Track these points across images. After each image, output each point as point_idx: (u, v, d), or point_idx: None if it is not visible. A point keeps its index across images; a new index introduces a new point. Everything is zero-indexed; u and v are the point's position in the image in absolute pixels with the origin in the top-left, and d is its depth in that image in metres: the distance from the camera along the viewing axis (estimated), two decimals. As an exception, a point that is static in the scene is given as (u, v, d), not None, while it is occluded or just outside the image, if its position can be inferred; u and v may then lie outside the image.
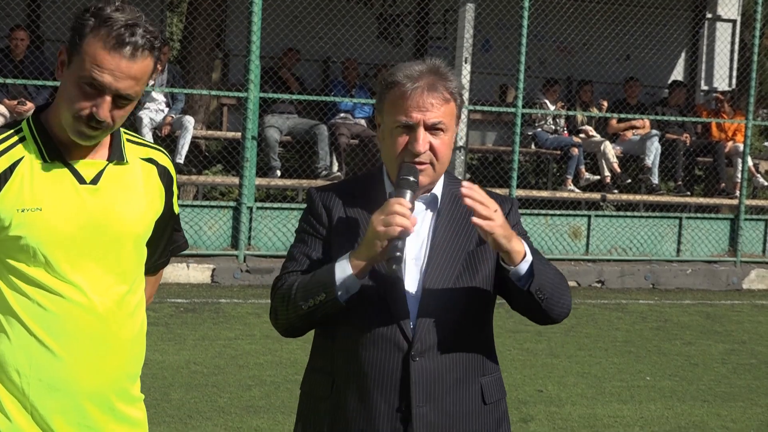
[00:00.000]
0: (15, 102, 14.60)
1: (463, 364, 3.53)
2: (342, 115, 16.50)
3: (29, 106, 14.54)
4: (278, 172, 15.66)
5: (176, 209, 3.64)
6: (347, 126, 16.38)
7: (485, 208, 3.29)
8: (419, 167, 3.43)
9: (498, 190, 14.63)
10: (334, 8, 18.05)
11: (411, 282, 3.49)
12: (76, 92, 3.22)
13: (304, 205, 14.23)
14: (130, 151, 3.46)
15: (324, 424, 3.56)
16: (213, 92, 16.40)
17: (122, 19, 3.21)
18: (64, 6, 15.58)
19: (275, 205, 15.25)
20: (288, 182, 15.90)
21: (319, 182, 15.84)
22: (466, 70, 15.68)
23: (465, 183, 3.36)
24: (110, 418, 3.45)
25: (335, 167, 16.16)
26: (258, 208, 14.82)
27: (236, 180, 15.05)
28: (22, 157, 3.32)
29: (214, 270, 14.23)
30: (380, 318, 3.46)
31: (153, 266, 3.64)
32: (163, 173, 3.54)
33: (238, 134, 15.29)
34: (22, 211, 3.28)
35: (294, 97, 15.90)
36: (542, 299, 3.45)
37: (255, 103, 14.69)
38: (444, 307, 3.49)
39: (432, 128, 3.43)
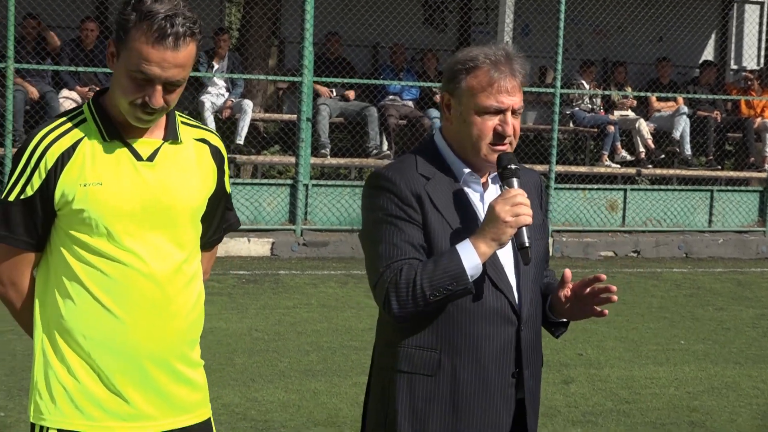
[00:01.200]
0: (86, 89, 14.68)
1: (540, 332, 3.62)
2: (390, 97, 16.46)
3: (98, 93, 14.65)
4: (328, 151, 15.65)
5: (228, 188, 3.64)
6: (396, 107, 16.35)
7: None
8: (502, 147, 3.47)
9: (538, 167, 14.76)
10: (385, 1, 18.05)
11: (505, 258, 3.53)
12: (128, 83, 3.23)
13: (356, 182, 14.39)
14: (184, 131, 3.48)
15: (434, 401, 3.52)
16: (270, 77, 16.43)
17: (162, 11, 3.20)
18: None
19: (329, 182, 15.27)
20: (341, 161, 15.93)
21: (370, 161, 15.88)
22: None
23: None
24: (171, 379, 3.46)
25: (384, 146, 16.14)
26: (313, 185, 14.85)
27: (293, 159, 15.08)
28: (84, 137, 3.34)
29: (273, 243, 14.30)
30: (489, 295, 3.48)
31: (208, 242, 3.65)
32: (216, 153, 3.56)
33: (294, 116, 15.33)
34: (84, 185, 3.30)
35: (345, 80, 15.89)
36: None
37: (309, 87, 14.71)
38: (533, 280, 3.57)
39: (514, 112, 3.47)
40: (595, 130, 17.28)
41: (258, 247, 14.19)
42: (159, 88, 3.22)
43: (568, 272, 3.43)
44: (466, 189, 3.54)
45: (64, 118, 3.39)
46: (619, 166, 17.12)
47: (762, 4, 20.65)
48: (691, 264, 15.33)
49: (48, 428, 3.39)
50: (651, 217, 16.49)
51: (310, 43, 14.62)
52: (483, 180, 3.57)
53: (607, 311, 3.47)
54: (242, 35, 17.60)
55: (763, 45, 20.58)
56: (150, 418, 3.43)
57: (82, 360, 3.38)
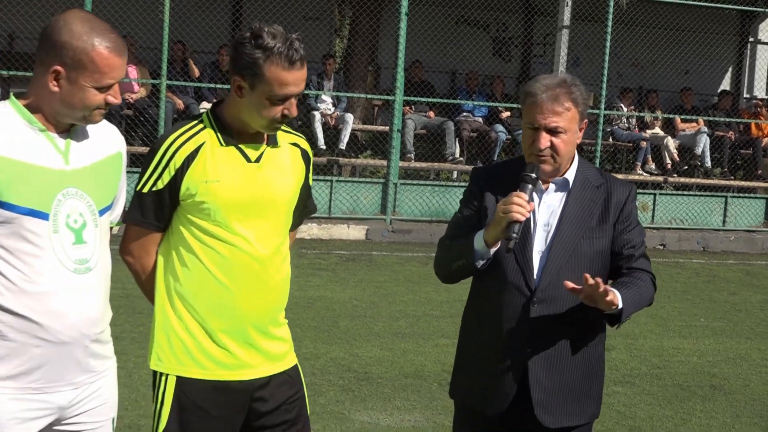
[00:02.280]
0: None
1: (570, 311, 3.49)
2: (464, 114, 16.43)
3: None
4: (412, 156, 15.67)
5: (311, 181, 3.66)
6: (468, 122, 16.32)
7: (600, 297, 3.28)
8: (542, 157, 3.45)
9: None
10: (461, 32, 18.03)
11: (539, 246, 3.51)
12: (269, 105, 3.27)
13: (435, 182, 14.45)
14: (281, 137, 3.50)
15: (478, 347, 3.61)
16: (368, 96, 16.48)
17: (282, 43, 3.23)
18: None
19: (413, 182, 15.27)
20: (423, 164, 15.90)
21: (446, 165, 15.90)
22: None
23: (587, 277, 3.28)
24: (264, 337, 3.48)
25: (458, 153, 16.14)
26: (400, 183, 14.88)
27: (384, 162, 15.15)
28: (204, 142, 3.36)
29: (367, 230, 14.33)
30: (512, 272, 3.48)
31: (293, 224, 3.65)
32: (304, 154, 3.58)
33: (386, 127, 15.37)
34: (206, 182, 3.33)
35: (429, 100, 15.92)
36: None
37: (400, 104, 14.74)
38: (564, 268, 3.48)
39: (552, 131, 3.44)
40: (631, 144, 17.13)
41: (355, 232, 14.24)
42: (294, 100, 3.30)
43: (568, 284, 3.32)
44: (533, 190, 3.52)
45: (188, 126, 3.42)
46: (649, 174, 16.93)
47: (771, 44, 20.46)
48: (708, 256, 15.15)
49: (167, 375, 3.43)
50: (675, 217, 16.34)
51: (402, 68, 14.65)
52: (545, 185, 3.56)
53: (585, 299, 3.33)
54: (346, 61, 17.68)
55: (772, 78, 20.38)
56: (250, 366, 3.46)
57: (195, 321, 3.42)
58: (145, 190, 3.36)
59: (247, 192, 3.36)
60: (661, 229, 16.04)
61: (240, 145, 3.38)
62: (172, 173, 3.33)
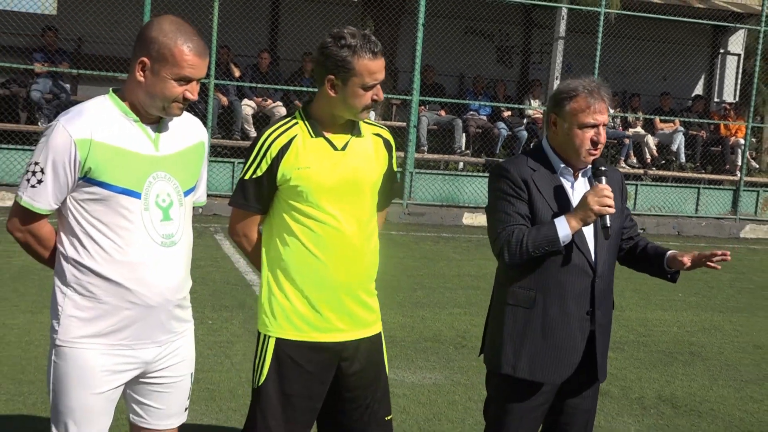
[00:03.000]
0: (260, 99, 14.82)
1: (610, 282, 3.62)
2: (471, 112, 16.40)
3: (269, 102, 14.75)
4: (426, 149, 15.65)
5: (395, 167, 3.65)
6: (474, 120, 16.28)
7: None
8: (596, 151, 3.50)
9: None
10: (469, 41, 17.99)
11: (588, 229, 3.53)
12: (362, 94, 3.32)
13: (445, 172, 14.36)
14: (364, 128, 3.52)
15: (529, 326, 3.55)
16: (387, 96, 16.42)
17: (360, 38, 3.29)
18: (293, 35, 15.79)
19: (426, 171, 15.26)
20: (435, 156, 15.88)
21: (455, 157, 15.87)
22: (556, 85, 15.49)
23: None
24: (356, 304, 3.50)
25: (464, 146, 16.11)
26: (415, 172, 14.87)
27: (401, 153, 15.10)
28: (296, 135, 3.40)
29: (387, 213, 14.29)
30: (574, 254, 3.50)
31: (381, 205, 3.65)
32: (386, 143, 3.59)
33: (403, 123, 15.34)
34: (299, 169, 3.36)
35: (441, 100, 15.89)
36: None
37: (416, 103, 14.71)
38: (608, 246, 3.57)
39: (604, 125, 3.48)
40: (615, 141, 17.05)
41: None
42: (379, 86, 3.33)
43: (685, 260, 3.69)
44: (561, 179, 3.56)
45: (283, 122, 3.48)
46: (631, 167, 16.87)
47: (739, 56, 20.37)
48: (682, 240, 15.13)
49: (270, 336, 3.47)
50: (653, 205, 16.32)
51: (418, 72, 14.62)
52: (575, 173, 3.58)
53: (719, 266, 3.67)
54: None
55: (739, 85, 20.28)
56: (340, 331, 3.49)
57: (295, 290, 3.44)
58: (247, 177, 3.41)
59: (335, 176, 3.38)
60: (641, 215, 15.99)
61: (327, 136, 3.41)
62: (269, 162, 3.36)
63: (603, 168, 3.47)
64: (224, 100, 14.46)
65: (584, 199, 3.38)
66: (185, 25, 3.03)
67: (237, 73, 14.82)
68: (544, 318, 3.51)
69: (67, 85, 14.14)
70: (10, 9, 15.22)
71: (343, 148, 3.43)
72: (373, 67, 3.30)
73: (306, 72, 15.23)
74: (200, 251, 9.97)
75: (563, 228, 3.39)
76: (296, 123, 3.43)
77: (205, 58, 3.06)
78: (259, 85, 14.50)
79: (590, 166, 3.54)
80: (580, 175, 3.58)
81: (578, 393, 3.65)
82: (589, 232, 3.51)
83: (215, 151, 14.06)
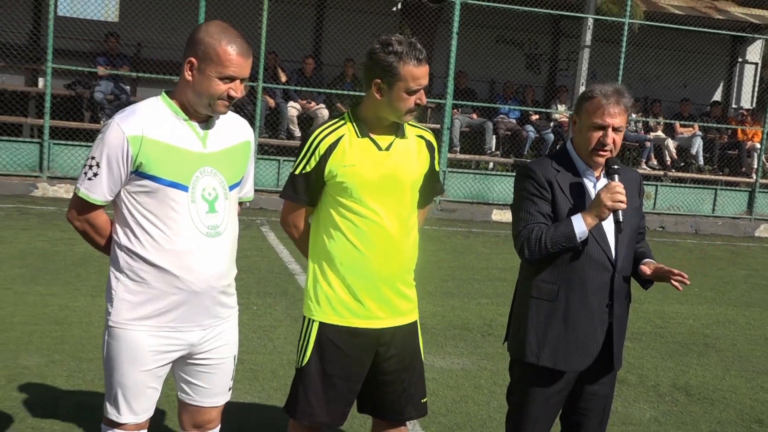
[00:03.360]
0: (304, 101, 14.84)
1: (628, 278, 3.58)
2: (501, 116, 16.29)
3: (313, 105, 14.76)
4: (458, 149, 15.57)
5: (437, 167, 3.63)
6: (504, 123, 16.17)
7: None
8: (605, 152, 3.44)
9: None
10: (499, 49, 17.88)
11: (608, 227, 3.48)
12: (406, 98, 3.33)
13: (476, 171, 14.29)
14: (408, 130, 3.50)
15: (552, 318, 3.53)
16: (452, 101, 16.36)
17: (407, 45, 3.28)
18: (336, 42, 15.79)
19: (458, 170, 15.18)
20: (466, 156, 15.78)
21: (486, 157, 15.79)
22: (581, 91, 15.37)
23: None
24: (394, 294, 3.49)
25: (494, 147, 16.02)
26: (448, 171, 14.80)
27: (435, 154, 15.07)
28: (344, 134, 3.40)
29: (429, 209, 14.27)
30: (594, 250, 3.46)
31: (423, 203, 3.64)
32: (429, 145, 3.56)
33: (437, 125, 15.28)
34: (345, 166, 3.36)
35: (473, 104, 15.81)
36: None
37: (449, 107, 14.66)
38: (627, 243, 3.53)
39: (615, 129, 3.42)
40: (637, 144, 16.88)
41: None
42: (423, 91, 3.33)
43: (646, 269, 3.56)
44: (584, 179, 3.52)
45: (332, 122, 3.48)
46: (651, 169, 16.67)
47: (756, 65, 20.05)
48: (699, 238, 14.95)
49: (314, 321, 3.47)
50: (672, 205, 16.11)
51: (452, 78, 14.57)
52: (597, 174, 3.54)
53: (680, 288, 3.56)
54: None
55: (756, 92, 19.99)
56: (379, 318, 3.49)
57: (338, 279, 3.44)
58: (297, 172, 3.42)
59: (378, 174, 3.38)
60: (661, 214, 15.81)
61: (373, 137, 3.41)
62: (317, 159, 3.37)
63: (616, 166, 3.44)
64: (271, 102, 14.50)
65: (598, 196, 3.37)
66: (230, 29, 3.04)
67: (283, 78, 14.85)
68: (566, 311, 3.48)
69: (128, 87, 14.26)
70: (76, 16, 15.41)
71: (387, 148, 3.42)
72: (417, 73, 3.29)
73: (347, 77, 15.24)
74: (247, 242, 10.01)
75: (579, 225, 3.37)
76: (344, 123, 3.44)
77: (248, 59, 3.05)
78: (303, 89, 14.52)
79: (605, 166, 3.52)
80: (602, 176, 3.54)
81: (596, 380, 3.61)
82: (609, 229, 3.47)
83: (262, 150, 14.11)
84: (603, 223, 3.44)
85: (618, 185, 3.37)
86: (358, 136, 3.40)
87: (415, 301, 3.61)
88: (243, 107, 14.14)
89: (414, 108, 3.35)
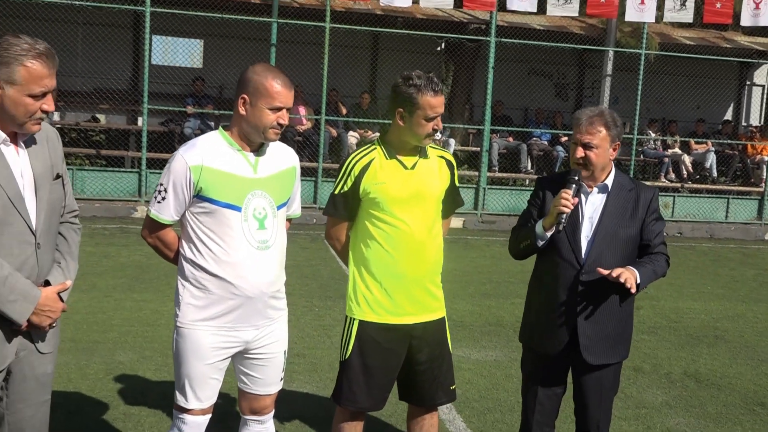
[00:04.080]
0: (362, 131, 14.91)
1: (609, 281, 3.37)
2: (534, 138, 16.15)
3: (369, 133, 14.83)
4: (496, 169, 15.49)
5: (456, 182, 3.64)
6: (537, 145, 16.01)
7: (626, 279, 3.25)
8: (579, 165, 3.41)
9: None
10: (531, 81, 17.77)
11: (585, 232, 3.44)
12: (424, 124, 3.35)
13: (513, 187, 14.18)
14: (431, 152, 3.52)
15: (540, 305, 3.55)
16: (465, 126, 16.38)
17: (424, 79, 3.32)
18: (389, 79, 15.82)
19: (497, 187, 15.10)
20: (504, 174, 15.69)
21: (521, 175, 15.67)
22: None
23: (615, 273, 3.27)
24: (424, 294, 3.50)
25: (529, 166, 15.89)
26: (488, 188, 14.73)
27: (476, 173, 15.02)
28: (375, 157, 3.44)
29: (464, 221, 14.21)
30: (565, 250, 3.42)
31: (446, 213, 3.64)
32: (449, 164, 3.58)
33: (478, 148, 15.24)
34: (376, 184, 3.39)
35: (509, 128, 15.73)
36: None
37: (487, 132, 14.60)
38: (605, 249, 3.42)
39: (586, 146, 3.38)
40: (656, 160, 16.59)
41: (455, 222, 14.11)
42: (439, 118, 3.34)
43: (601, 271, 3.31)
44: (581, 194, 3.47)
45: (364, 148, 3.53)
46: (670, 182, 16.33)
47: (763, 87, 19.55)
48: (713, 242, 14.58)
49: (354, 319, 3.50)
50: (689, 213, 15.74)
51: (489, 106, 14.52)
52: (590, 188, 3.48)
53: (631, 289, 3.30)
54: (450, 101, 17.60)
55: (764, 111, 19.48)
56: (410, 315, 3.50)
57: (374, 282, 3.46)
58: (336, 192, 3.47)
59: (405, 190, 3.40)
60: (679, 221, 15.46)
61: (399, 158, 3.44)
62: (353, 179, 3.41)
63: (574, 177, 3.39)
64: (333, 132, 14.60)
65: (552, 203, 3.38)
66: (273, 67, 3.11)
67: (343, 111, 14.97)
68: (540, 301, 3.52)
69: (212, 123, 14.48)
70: (168, 64, 15.76)
71: (412, 167, 3.44)
72: (433, 102, 3.32)
73: (363, 107, 15.14)
74: (312, 253, 10.10)
75: (538, 226, 3.40)
76: (375, 148, 3.47)
77: (291, 90, 3.10)
78: (360, 120, 14.61)
79: (600, 182, 3.47)
80: (596, 189, 3.49)
81: (590, 370, 3.50)
82: (585, 233, 3.42)
83: (327, 173, 14.20)
84: (582, 230, 3.41)
85: (565, 191, 3.32)
86: (387, 158, 3.42)
87: (442, 300, 3.60)
88: (309, 137, 14.29)
89: (432, 133, 3.36)
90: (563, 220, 3.34)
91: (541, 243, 3.42)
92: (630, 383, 5.72)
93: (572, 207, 3.33)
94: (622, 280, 3.24)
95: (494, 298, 8.34)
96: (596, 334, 3.43)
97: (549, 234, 3.40)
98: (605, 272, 3.28)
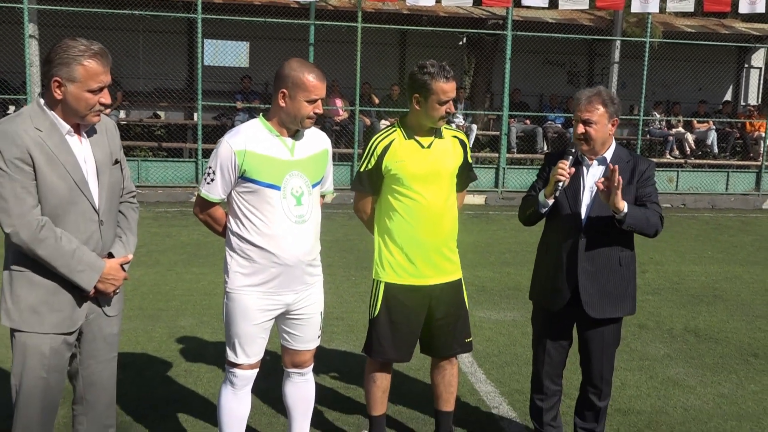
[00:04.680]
0: (393, 120, 14.84)
1: (608, 243, 3.38)
2: (549, 122, 15.95)
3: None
4: (515, 150, 15.35)
5: (469, 159, 3.62)
6: (551, 128, 15.79)
7: (612, 186, 3.20)
8: (579, 140, 3.39)
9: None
10: (546, 70, 17.53)
11: (586, 200, 3.42)
12: (438, 108, 3.34)
13: (531, 167, 14.07)
14: (445, 132, 3.52)
15: (546, 266, 3.55)
16: (485, 112, 16.24)
17: (437, 67, 3.31)
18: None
19: (516, 166, 14.97)
20: (522, 155, 15.53)
21: (538, 155, 15.50)
22: (613, 97, 14.94)
23: (611, 166, 3.25)
24: (440, 258, 3.51)
25: (545, 147, 15.69)
26: (507, 167, 14.63)
27: (496, 154, 14.91)
28: (395, 138, 3.45)
29: (486, 197, 14.13)
30: (567, 216, 3.41)
31: (461, 187, 3.64)
32: (462, 143, 3.57)
33: (497, 132, 15.12)
34: (397, 162, 3.40)
35: (526, 114, 15.58)
36: (632, 229, 3.33)
37: (506, 117, 14.47)
38: (604, 213, 3.39)
39: (586, 122, 3.35)
40: (661, 139, 16.26)
41: (478, 199, 14.08)
42: (451, 102, 3.33)
43: (600, 183, 3.26)
44: (582, 165, 3.46)
45: (385, 130, 3.55)
46: (674, 158, 16.01)
47: (760, 69, 19.02)
48: (714, 212, 14.34)
49: (381, 281, 3.53)
50: (692, 186, 15.43)
51: (507, 94, 14.37)
52: (591, 161, 3.46)
53: (602, 195, 3.25)
54: (472, 90, 17.49)
55: (761, 91, 19.00)
56: (429, 277, 3.51)
57: (397, 248, 3.48)
58: (362, 169, 3.49)
59: (422, 167, 3.41)
60: (683, 194, 15.19)
61: (417, 138, 3.44)
62: (376, 158, 3.44)
63: (572, 150, 3.39)
64: (367, 121, 14.58)
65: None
66: (307, 62, 3.13)
67: (376, 101, 14.95)
68: (546, 263, 3.51)
69: (259, 116, 14.59)
70: (218, 65, 15.86)
71: (428, 147, 3.44)
72: (445, 87, 3.31)
73: (393, 98, 14.98)
74: (350, 230, 10.15)
75: (541, 195, 3.40)
76: (395, 130, 3.48)
77: (324, 82, 3.12)
78: (391, 109, 14.56)
79: (602, 156, 3.44)
80: (595, 162, 3.47)
81: (593, 326, 3.49)
82: (586, 201, 3.40)
83: (360, 157, 14.19)
84: (583, 198, 3.40)
85: (563, 163, 3.32)
86: (406, 139, 3.43)
87: (458, 263, 3.60)
88: (346, 126, 14.30)
89: (445, 115, 3.36)
90: (560, 187, 3.35)
91: (543, 210, 3.42)
92: (635, 338, 5.69)
93: (568, 176, 3.32)
94: (615, 183, 3.17)
95: (513, 265, 8.32)
96: (597, 291, 3.42)
97: (550, 201, 3.40)
98: (612, 167, 3.20)
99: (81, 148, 2.78)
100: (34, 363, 2.76)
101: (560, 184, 3.33)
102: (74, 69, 2.65)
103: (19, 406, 2.79)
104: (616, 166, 3.22)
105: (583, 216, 3.40)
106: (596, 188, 3.35)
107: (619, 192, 3.21)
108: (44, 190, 2.66)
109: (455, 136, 3.55)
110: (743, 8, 14.16)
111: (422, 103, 3.35)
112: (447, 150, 3.49)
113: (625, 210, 3.26)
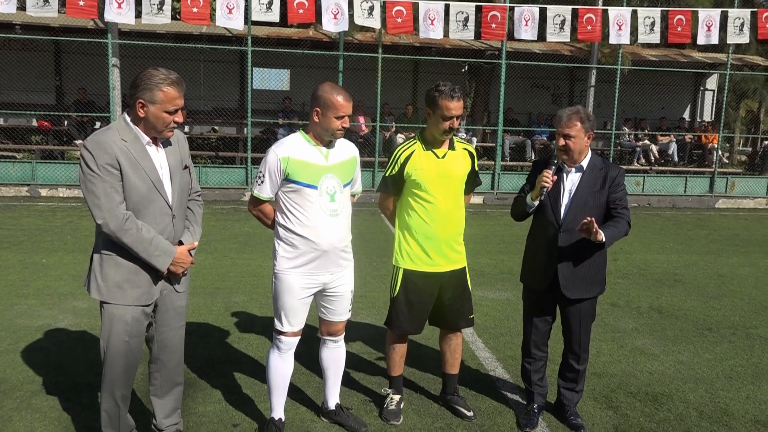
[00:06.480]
0: (408, 133, 14.72)
1: (579, 238, 3.35)
2: (536, 135, 15.80)
3: (413, 135, 14.72)
4: (508, 158, 15.23)
5: (476, 168, 3.59)
6: (539, 140, 15.61)
7: (591, 230, 3.19)
8: (561, 151, 3.35)
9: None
10: (533, 92, 17.39)
11: (564, 201, 3.39)
12: (442, 122, 3.30)
13: (521, 172, 13.88)
14: (457, 145, 3.48)
15: (533, 254, 3.50)
16: (483, 127, 16.12)
17: (447, 87, 3.28)
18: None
19: (509, 172, 14.82)
20: (514, 163, 15.38)
21: (527, 163, 15.35)
22: (590, 115, 14.76)
23: (587, 220, 3.18)
24: (450, 250, 3.48)
25: (533, 156, 15.56)
26: (501, 173, 14.52)
27: (492, 162, 14.76)
28: (415, 150, 3.41)
29: (483, 198, 14.05)
30: (549, 214, 3.38)
31: (468, 191, 3.61)
32: (471, 154, 3.53)
33: (493, 144, 14.99)
34: (416, 169, 3.37)
35: (517, 128, 15.45)
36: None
37: (500, 131, 14.37)
38: (578, 213, 3.37)
39: (566, 136, 3.31)
40: (630, 149, 16.07)
41: (477, 199, 14.00)
42: (455, 119, 3.29)
43: (582, 224, 3.22)
44: (562, 171, 3.41)
45: (407, 142, 3.50)
46: (641, 165, 15.81)
47: (714, 91, 18.74)
48: (675, 210, 14.15)
49: (400, 267, 3.51)
50: (656, 189, 15.20)
51: (502, 112, 14.27)
52: (570, 168, 3.42)
53: (587, 235, 3.21)
54: (472, 109, 17.38)
55: (714, 110, 18.70)
56: (439, 265, 3.49)
57: (414, 241, 3.46)
58: (387, 174, 3.47)
59: (437, 174, 3.39)
60: (648, 195, 14.97)
61: (434, 150, 3.43)
62: (399, 165, 3.42)
63: (555, 161, 3.36)
64: (386, 135, 14.54)
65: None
66: (336, 85, 3.14)
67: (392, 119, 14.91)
68: (532, 251, 3.50)
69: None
70: (264, 88, 15.91)
71: (443, 157, 3.43)
72: (450, 105, 3.28)
73: (408, 115, 14.90)
74: (372, 224, 10.16)
75: (528, 197, 3.39)
76: (415, 142, 3.47)
77: (350, 102, 3.13)
78: (406, 125, 14.52)
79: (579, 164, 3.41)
80: (573, 170, 3.45)
81: (571, 303, 3.49)
82: (565, 201, 3.38)
83: (381, 165, 14.13)
84: (563, 199, 3.37)
85: (546, 171, 3.30)
86: (424, 150, 3.42)
87: (463, 254, 3.59)
88: (368, 139, 14.28)
89: (448, 130, 3.32)
90: (544, 192, 3.35)
91: (530, 209, 3.42)
92: (608, 314, 5.66)
93: (551, 183, 3.31)
94: (593, 228, 3.18)
95: (506, 254, 8.28)
96: (573, 276, 3.41)
97: (536, 203, 3.39)
98: (589, 219, 3.19)
99: (158, 155, 2.82)
100: (118, 329, 2.80)
101: (544, 189, 3.34)
102: (155, 93, 2.69)
103: (106, 365, 2.84)
104: (593, 219, 3.19)
105: (562, 215, 3.40)
106: (574, 195, 3.34)
107: (599, 232, 3.20)
108: (128, 189, 2.71)
109: (465, 149, 3.54)
110: (701, 40, 13.97)
111: (431, 116, 3.35)
112: (458, 160, 3.48)
113: (604, 239, 3.26)
